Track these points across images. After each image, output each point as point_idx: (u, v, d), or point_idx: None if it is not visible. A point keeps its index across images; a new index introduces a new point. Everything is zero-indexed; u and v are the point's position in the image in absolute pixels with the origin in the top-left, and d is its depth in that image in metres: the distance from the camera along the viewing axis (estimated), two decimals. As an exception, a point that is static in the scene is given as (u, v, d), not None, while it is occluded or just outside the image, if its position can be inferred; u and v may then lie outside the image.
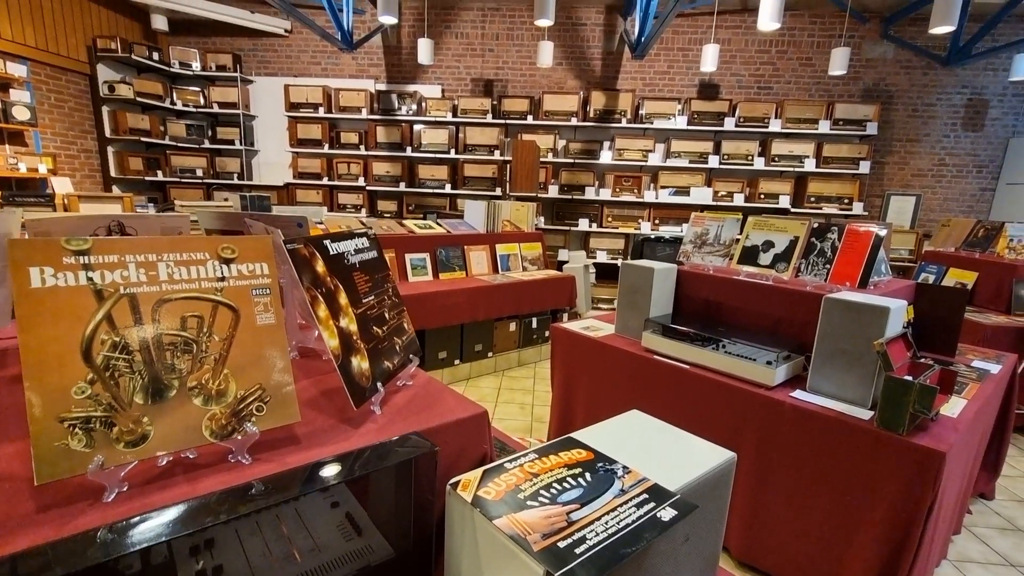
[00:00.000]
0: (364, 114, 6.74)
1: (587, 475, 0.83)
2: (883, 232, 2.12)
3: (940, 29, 4.58)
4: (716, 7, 6.37)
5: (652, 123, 6.36)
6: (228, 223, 1.17)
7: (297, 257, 0.85)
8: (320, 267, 0.90)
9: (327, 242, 0.96)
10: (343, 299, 0.93)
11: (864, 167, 6.18)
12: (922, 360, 2.17)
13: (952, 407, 1.81)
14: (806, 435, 1.79)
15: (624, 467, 0.84)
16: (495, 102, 6.64)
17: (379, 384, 0.96)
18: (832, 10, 6.37)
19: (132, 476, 0.77)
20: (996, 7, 5.85)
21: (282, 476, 0.75)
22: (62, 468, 0.67)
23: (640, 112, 6.41)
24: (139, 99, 6.37)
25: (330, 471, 0.77)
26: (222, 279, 0.79)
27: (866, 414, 1.73)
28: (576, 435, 0.98)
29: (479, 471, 0.81)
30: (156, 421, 0.74)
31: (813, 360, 1.91)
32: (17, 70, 5.04)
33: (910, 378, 1.62)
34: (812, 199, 6.28)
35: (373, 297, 1.03)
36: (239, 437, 0.79)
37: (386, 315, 1.05)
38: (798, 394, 1.89)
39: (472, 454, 0.97)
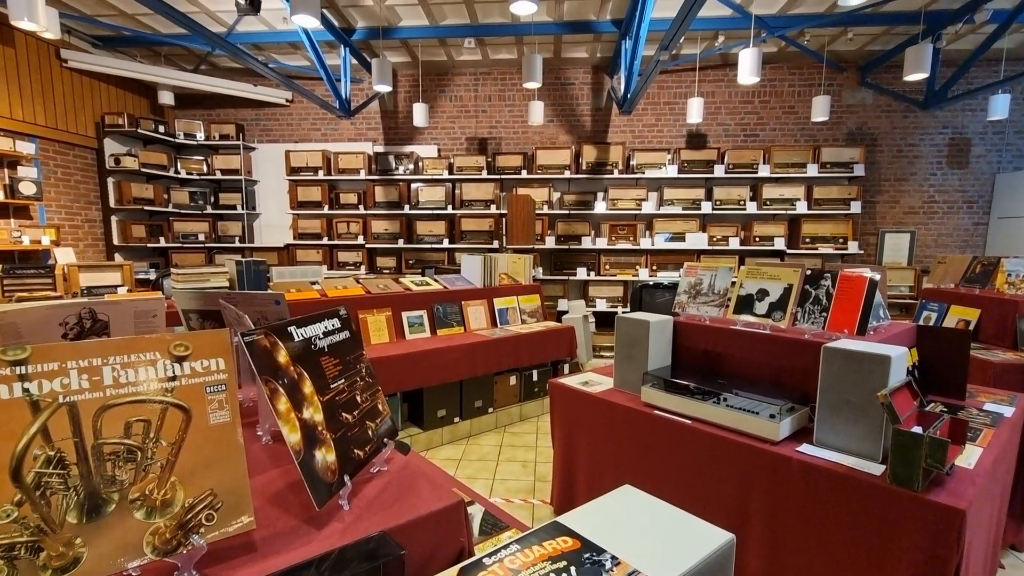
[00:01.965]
0: (362, 175, 6.92)
1: (572, 569, 0.76)
2: (876, 276, 2.10)
3: (914, 76, 4.76)
4: (698, 63, 6.65)
5: (644, 173, 6.50)
6: (205, 303, 1.16)
7: (256, 349, 0.82)
8: (282, 356, 0.87)
9: (292, 328, 0.94)
10: (308, 388, 0.89)
11: (855, 207, 6.25)
12: (930, 407, 2.10)
13: (968, 457, 1.73)
14: (817, 493, 1.70)
15: (613, 557, 0.78)
16: (490, 159, 6.82)
17: (346, 477, 0.90)
18: (810, 61, 6.65)
19: (60, 606, 0.69)
20: (967, 52, 6.10)
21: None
22: (-26, 606, 0.61)
23: (631, 163, 6.56)
24: (144, 169, 6.57)
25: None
26: (173, 379, 0.75)
27: (877, 468, 1.65)
28: (563, 519, 0.92)
29: (454, 570, 0.75)
30: (91, 541, 0.68)
31: (818, 412, 1.84)
32: (25, 148, 5.22)
33: (919, 430, 1.55)
34: (807, 240, 6.32)
35: (343, 381, 0.99)
36: (185, 551, 0.74)
37: (358, 398, 1.01)
38: (805, 448, 1.82)
39: (448, 549, 0.89)
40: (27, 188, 5.19)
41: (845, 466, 1.67)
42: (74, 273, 4.25)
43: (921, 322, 3.79)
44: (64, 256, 5.46)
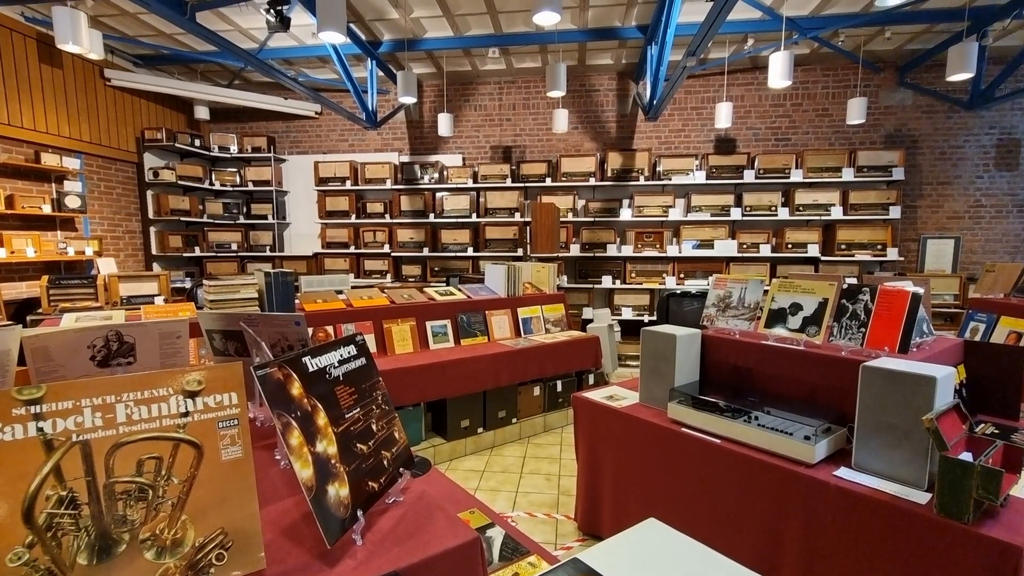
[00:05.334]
0: (388, 185, 7.01)
1: (592, 613, 0.73)
2: (920, 291, 1.99)
3: (958, 76, 4.54)
4: (727, 67, 6.51)
5: (670, 179, 6.39)
6: (228, 323, 1.17)
7: (269, 383, 0.81)
8: (296, 389, 0.86)
9: (307, 359, 0.92)
10: (321, 419, 0.88)
11: (895, 212, 6.00)
12: (980, 429, 1.97)
13: (1024, 486, 1.61)
14: (856, 521, 1.61)
15: (635, 601, 0.74)
16: (514, 167, 6.82)
17: (359, 512, 0.89)
18: (844, 62, 6.43)
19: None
20: (1015, 50, 5.80)
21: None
22: (-18, 653, 0.61)
23: (657, 169, 6.46)
24: (181, 182, 6.81)
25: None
26: (186, 415, 0.74)
27: (923, 497, 1.55)
28: (584, 556, 0.88)
29: (469, 611, 0.72)
30: (99, 583, 0.66)
31: (856, 434, 1.75)
32: (71, 163, 5.47)
33: (969, 457, 1.45)
34: (843, 247, 6.09)
35: (359, 410, 0.98)
36: (193, 594, 0.72)
37: (373, 427, 0.99)
38: (843, 472, 1.73)
39: (463, 588, 0.87)
40: (72, 202, 5.43)
41: (887, 493, 1.58)
42: (114, 283, 4.40)
43: (968, 333, 3.59)
44: (106, 266, 5.69)
